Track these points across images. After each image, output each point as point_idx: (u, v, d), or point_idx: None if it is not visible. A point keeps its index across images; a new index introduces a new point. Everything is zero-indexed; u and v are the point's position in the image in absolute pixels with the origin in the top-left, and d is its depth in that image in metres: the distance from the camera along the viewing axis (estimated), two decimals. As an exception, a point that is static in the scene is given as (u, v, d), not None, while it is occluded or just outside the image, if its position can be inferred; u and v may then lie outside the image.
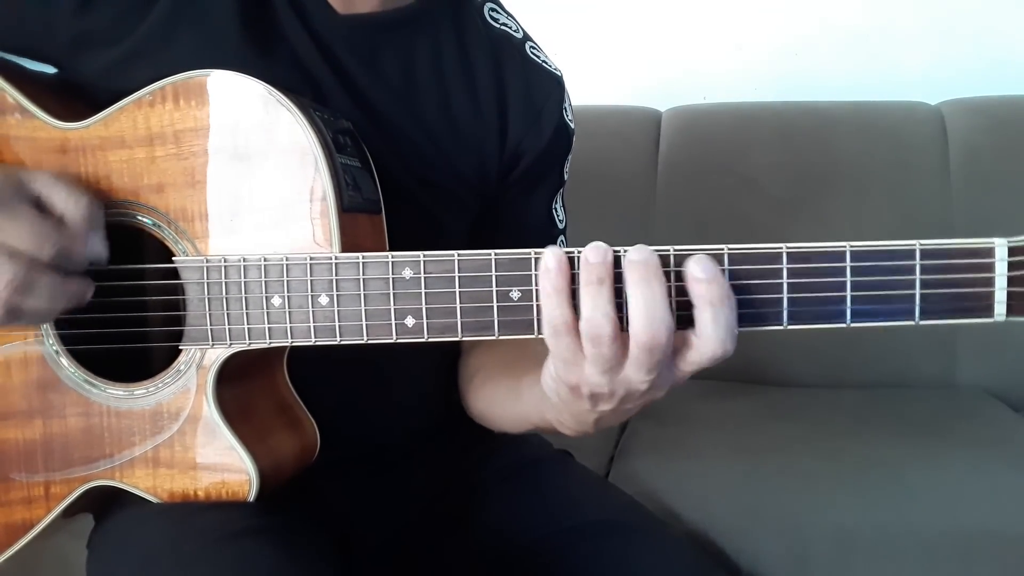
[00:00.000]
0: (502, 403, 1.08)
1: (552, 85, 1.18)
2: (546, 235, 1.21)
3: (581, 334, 0.76)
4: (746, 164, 2.26)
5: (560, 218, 1.24)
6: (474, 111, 1.13)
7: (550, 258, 0.76)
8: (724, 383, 2.07)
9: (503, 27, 1.17)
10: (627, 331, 0.75)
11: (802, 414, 1.91)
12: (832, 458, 1.64)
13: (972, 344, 2.12)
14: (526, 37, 1.19)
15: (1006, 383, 2.09)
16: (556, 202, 1.23)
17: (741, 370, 2.09)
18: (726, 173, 2.27)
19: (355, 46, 1.06)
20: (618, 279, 0.76)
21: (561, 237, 1.23)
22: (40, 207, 0.86)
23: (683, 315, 0.76)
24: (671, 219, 2.26)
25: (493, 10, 1.18)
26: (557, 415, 0.89)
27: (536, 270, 0.79)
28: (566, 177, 1.24)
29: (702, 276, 0.74)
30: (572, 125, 1.21)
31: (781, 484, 1.57)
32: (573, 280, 0.76)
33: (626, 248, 0.76)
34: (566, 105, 1.19)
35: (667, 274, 0.75)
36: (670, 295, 0.75)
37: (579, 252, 0.77)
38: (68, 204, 0.87)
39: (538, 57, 1.18)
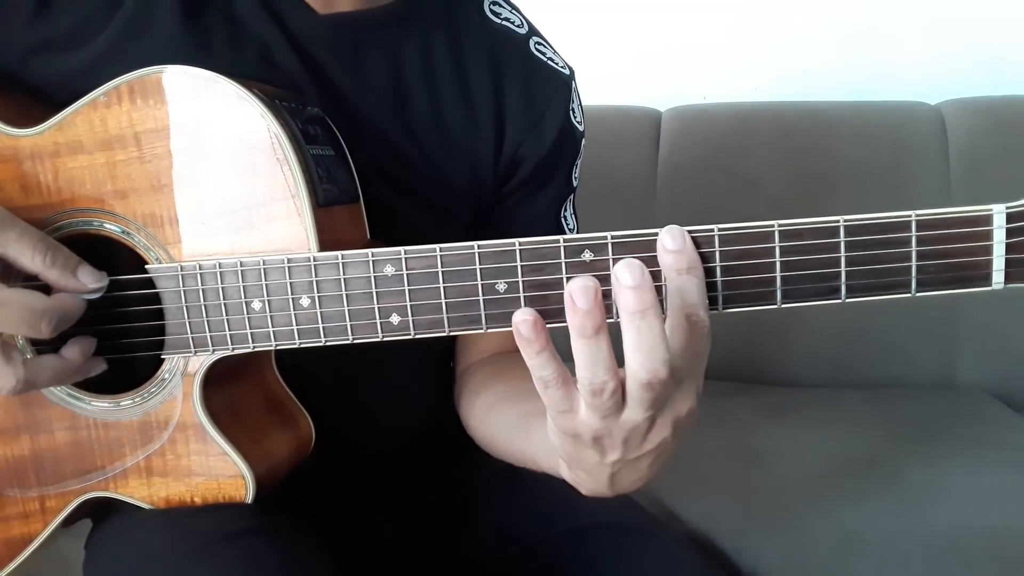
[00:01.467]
0: (509, 437, 1.03)
1: (557, 85, 1.13)
2: None
3: (579, 386, 0.71)
4: (746, 164, 2.25)
5: (571, 226, 1.19)
6: (467, 116, 1.08)
7: (523, 327, 0.69)
8: (724, 383, 2.06)
9: (504, 23, 1.12)
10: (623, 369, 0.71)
11: (802, 414, 1.91)
12: (832, 458, 1.65)
13: (972, 344, 2.12)
14: (531, 32, 1.14)
15: (1006, 383, 2.08)
16: (565, 210, 1.18)
17: (741, 370, 2.08)
18: (726, 173, 2.26)
19: (337, 48, 1.02)
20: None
21: None
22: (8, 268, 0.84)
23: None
24: (671, 219, 2.17)
25: (495, 4, 1.12)
26: (572, 473, 0.84)
27: (521, 261, 0.78)
28: (575, 183, 1.19)
29: (671, 246, 0.73)
30: (581, 128, 1.15)
31: (781, 484, 1.58)
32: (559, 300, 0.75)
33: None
34: (573, 106, 1.14)
35: (656, 258, 0.74)
36: (660, 280, 0.74)
37: (565, 260, 0.76)
38: (38, 259, 0.83)
39: (543, 55, 1.13)
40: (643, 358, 0.68)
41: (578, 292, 0.68)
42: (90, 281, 0.85)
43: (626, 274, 0.69)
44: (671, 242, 0.73)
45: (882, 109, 2.31)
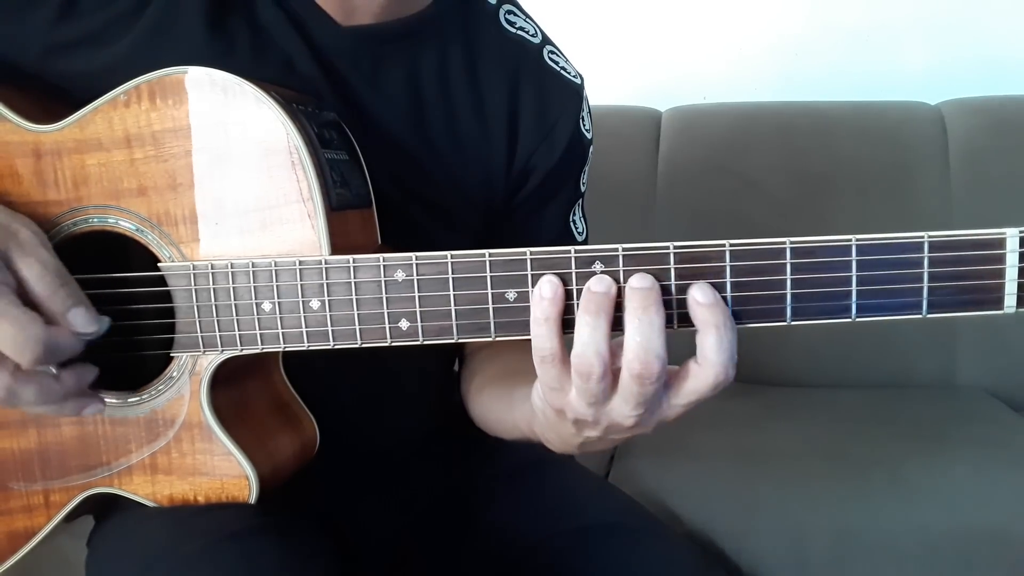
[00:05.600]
0: (497, 410, 1.07)
1: (569, 95, 1.13)
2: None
3: (571, 366, 0.75)
4: (746, 164, 2.26)
5: (579, 230, 1.20)
6: (480, 127, 1.09)
7: (546, 286, 0.75)
8: (724, 383, 2.04)
9: (519, 32, 1.12)
10: (619, 363, 0.74)
11: (802, 414, 1.91)
12: (832, 458, 1.65)
13: (972, 344, 2.13)
14: (544, 41, 1.14)
15: (1006, 383, 2.09)
16: (574, 214, 1.19)
17: (741, 370, 2.02)
18: (726, 173, 2.26)
19: (357, 59, 1.02)
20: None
21: None
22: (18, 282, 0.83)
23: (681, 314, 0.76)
24: (671, 219, 2.25)
25: (510, 13, 1.12)
26: (543, 432, 0.89)
27: (531, 270, 0.78)
28: (583, 188, 1.19)
29: (704, 301, 0.74)
30: (589, 135, 1.16)
31: (781, 484, 1.58)
32: (569, 311, 0.76)
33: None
34: (583, 114, 1.15)
35: (668, 271, 0.75)
36: (670, 294, 0.75)
37: (576, 270, 0.77)
38: (43, 288, 0.82)
39: (556, 64, 1.13)
40: (638, 348, 0.73)
41: (595, 281, 0.75)
42: (79, 324, 0.83)
43: (636, 278, 0.74)
44: (702, 296, 0.74)
45: (882, 109, 2.32)
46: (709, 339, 0.74)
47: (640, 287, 0.74)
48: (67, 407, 0.88)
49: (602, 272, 0.76)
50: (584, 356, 0.74)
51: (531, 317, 0.76)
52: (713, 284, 0.75)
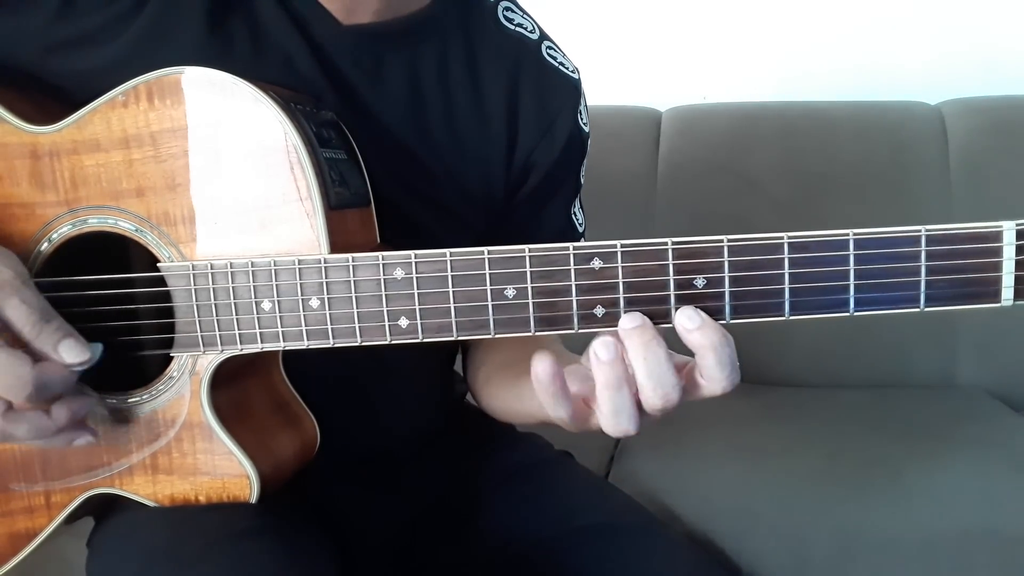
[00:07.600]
0: (505, 400, 1.08)
1: (568, 90, 1.14)
2: (566, 241, 1.18)
3: (601, 421, 0.79)
4: (746, 164, 2.26)
5: (579, 221, 1.21)
6: (479, 124, 1.09)
7: (540, 370, 0.77)
8: (725, 383, 2.04)
9: (518, 28, 1.12)
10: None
11: (802, 414, 1.91)
12: (832, 458, 1.64)
13: (972, 344, 2.12)
14: (543, 37, 1.14)
15: (1006, 383, 2.08)
16: (574, 206, 1.21)
17: (741, 370, 2.04)
18: (726, 173, 2.26)
19: (358, 58, 1.02)
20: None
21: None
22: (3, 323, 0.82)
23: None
24: (671, 219, 2.25)
25: (508, 9, 1.13)
26: (567, 428, 0.90)
27: (530, 267, 0.79)
28: (582, 181, 1.21)
29: (692, 325, 0.75)
30: (587, 129, 1.17)
31: (781, 484, 1.57)
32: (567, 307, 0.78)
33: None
34: (581, 109, 1.15)
35: (666, 267, 0.76)
36: (668, 289, 0.77)
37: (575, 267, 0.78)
38: (29, 328, 0.81)
39: (555, 59, 1.14)
40: (655, 386, 0.75)
41: (600, 346, 0.76)
42: (69, 357, 0.82)
43: (626, 319, 0.77)
44: (690, 322, 0.76)
45: (882, 109, 2.32)
46: (708, 359, 0.75)
47: (633, 326, 0.76)
48: (57, 440, 0.87)
49: (600, 268, 0.77)
50: (619, 426, 0.78)
51: (538, 392, 0.78)
52: (711, 279, 0.76)
